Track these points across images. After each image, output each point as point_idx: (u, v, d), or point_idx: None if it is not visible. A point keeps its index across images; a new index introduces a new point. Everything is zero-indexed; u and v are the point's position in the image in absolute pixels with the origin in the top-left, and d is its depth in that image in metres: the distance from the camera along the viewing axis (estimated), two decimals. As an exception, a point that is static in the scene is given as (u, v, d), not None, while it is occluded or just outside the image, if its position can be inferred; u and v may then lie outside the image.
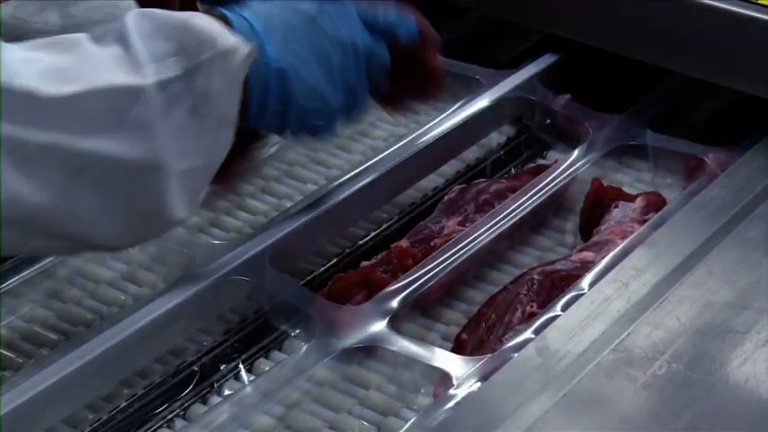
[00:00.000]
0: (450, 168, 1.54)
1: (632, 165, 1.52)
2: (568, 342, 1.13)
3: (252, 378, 1.24)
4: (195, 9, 1.23)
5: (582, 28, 1.55)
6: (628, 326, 1.15)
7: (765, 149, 1.41)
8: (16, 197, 0.98)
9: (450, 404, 1.11)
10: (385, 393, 1.21)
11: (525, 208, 1.38)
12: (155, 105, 1.04)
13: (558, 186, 1.42)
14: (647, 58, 1.51)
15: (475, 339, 1.23)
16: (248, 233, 1.34)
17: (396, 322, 1.22)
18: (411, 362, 1.17)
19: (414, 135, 1.47)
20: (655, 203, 1.40)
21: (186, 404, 1.21)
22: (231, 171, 1.22)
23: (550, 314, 1.20)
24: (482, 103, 1.53)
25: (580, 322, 1.16)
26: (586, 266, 1.29)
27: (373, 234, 1.44)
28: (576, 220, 1.44)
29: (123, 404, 1.20)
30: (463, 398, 1.11)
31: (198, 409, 1.20)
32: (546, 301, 1.25)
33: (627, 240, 1.31)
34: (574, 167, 1.44)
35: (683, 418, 1.06)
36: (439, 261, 1.29)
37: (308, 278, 1.36)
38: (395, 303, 1.23)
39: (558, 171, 1.43)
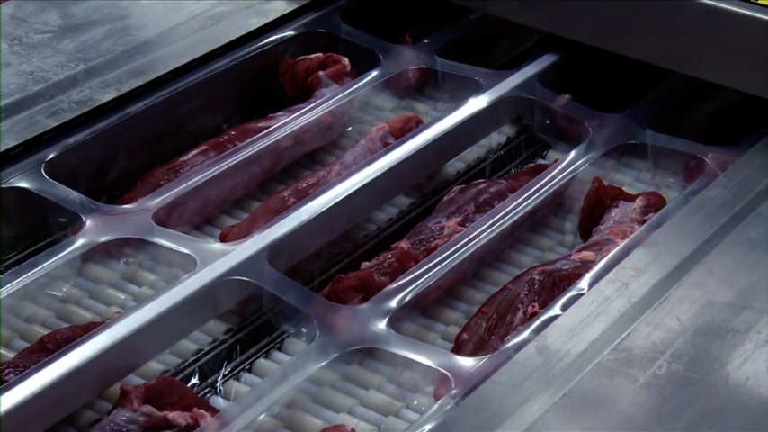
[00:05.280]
0: (450, 168, 1.54)
1: (632, 164, 1.52)
2: (568, 342, 1.13)
3: (252, 378, 1.24)
4: None
5: (582, 28, 1.55)
6: (628, 326, 1.15)
7: (765, 149, 1.41)
8: None
9: (451, 404, 1.11)
10: (385, 393, 1.21)
11: (525, 208, 1.38)
12: None
13: (557, 186, 1.42)
14: (647, 58, 1.51)
15: (475, 339, 1.23)
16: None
17: (396, 322, 1.22)
18: (411, 362, 1.17)
19: (414, 135, 1.47)
20: (655, 203, 1.40)
21: (186, 404, 1.21)
22: None
23: (550, 314, 1.20)
24: (482, 103, 1.53)
25: (580, 322, 1.16)
26: (587, 266, 1.29)
27: (373, 234, 1.44)
28: (576, 219, 1.44)
29: (123, 404, 1.20)
30: (463, 398, 1.11)
31: (198, 409, 1.20)
32: (547, 301, 1.25)
33: (627, 240, 1.31)
34: (573, 167, 1.44)
35: (682, 418, 1.06)
36: (439, 261, 1.29)
37: (308, 278, 1.36)
38: (394, 303, 1.23)
39: (558, 170, 1.43)
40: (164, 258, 1.32)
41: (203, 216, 1.43)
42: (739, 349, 1.13)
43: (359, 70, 1.61)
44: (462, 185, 1.46)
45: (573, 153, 1.46)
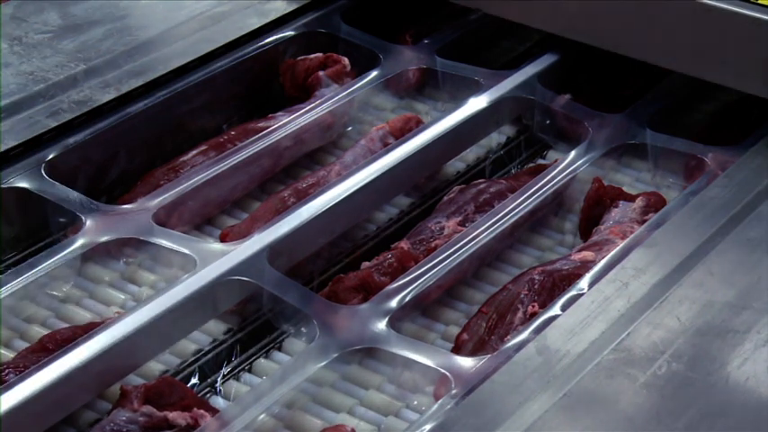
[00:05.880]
0: (450, 168, 1.54)
1: (632, 164, 1.52)
2: (568, 342, 1.13)
3: (252, 378, 1.24)
4: None
5: (582, 28, 1.55)
6: (628, 326, 1.15)
7: (765, 149, 1.41)
8: None
9: (451, 404, 1.11)
10: (385, 393, 1.21)
11: (525, 208, 1.38)
12: None
13: (557, 186, 1.42)
14: (647, 58, 1.51)
15: (475, 339, 1.23)
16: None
17: (396, 322, 1.22)
18: (411, 362, 1.17)
19: (414, 135, 1.47)
20: (655, 203, 1.40)
21: (186, 404, 1.21)
22: None
23: (550, 314, 1.20)
24: (482, 103, 1.53)
25: (580, 322, 1.16)
26: (587, 266, 1.29)
27: (373, 234, 1.44)
28: (576, 219, 1.44)
29: (123, 404, 1.20)
30: (463, 398, 1.11)
31: (198, 409, 1.20)
32: (547, 301, 1.25)
33: (627, 240, 1.31)
34: (573, 167, 1.44)
35: (683, 418, 1.06)
36: (439, 261, 1.29)
37: (308, 278, 1.36)
38: (394, 303, 1.23)
39: (558, 170, 1.43)
40: (164, 258, 1.32)
41: (203, 216, 1.43)
42: (739, 349, 1.13)
43: (359, 70, 1.61)
44: (462, 185, 1.46)
45: (573, 153, 1.46)
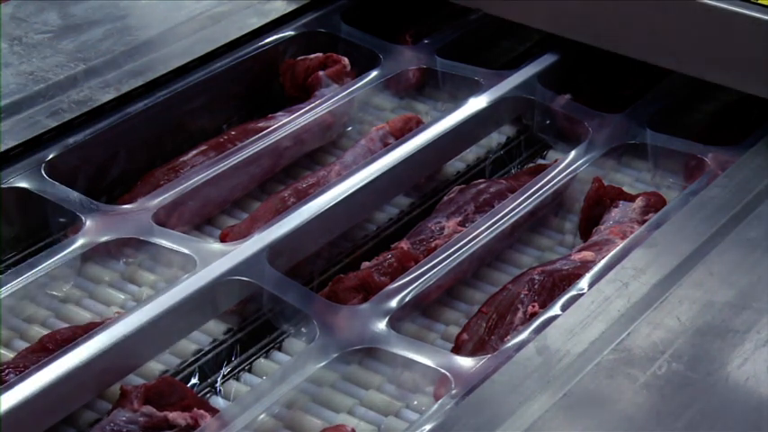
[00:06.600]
0: (450, 168, 1.54)
1: (632, 164, 1.52)
2: (568, 342, 1.13)
3: (252, 378, 1.24)
4: None
5: (582, 28, 1.55)
6: (628, 326, 1.15)
7: (765, 149, 1.41)
8: None
9: (451, 404, 1.11)
10: (385, 393, 1.21)
11: (525, 208, 1.38)
12: None
13: (557, 186, 1.42)
14: (647, 58, 1.51)
15: (475, 339, 1.23)
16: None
17: (396, 322, 1.22)
18: (411, 362, 1.17)
19: (414, 135, 1.47)
20: (655, 203, 1.40)
21: (186, 404, 1.21)
22: None
23: (550, 314, 1.20)
24: (482, 103, 1.53)
25: (580, 322, 1.16)
26: (587, 266, 1.29)
27: (373, 234, 1.44)
28: (576, 219, 1.44)
29: (123, 404, 1.20)
30: (463, 398, 1.11)
31: (198, 409, 1.20)
32: (548, 301, 1.25)
33: (627, 240, 1.31)
34: (573, 167, 1.44)
35: (683, 418, 1.06)
36: (439, 261, 1.29)
37: (308, 278, 1.36)
38: (394, 303, 1.23)
39: (558, 170, 1.43)
40: (164, 258, 1.32)
41: (203, 216, 1.43)
42: (739, 349, 1.13)
43: (359, 70, 1.61)
44: (462, 185, 1.46)
45: (573, 153, 1.46)
